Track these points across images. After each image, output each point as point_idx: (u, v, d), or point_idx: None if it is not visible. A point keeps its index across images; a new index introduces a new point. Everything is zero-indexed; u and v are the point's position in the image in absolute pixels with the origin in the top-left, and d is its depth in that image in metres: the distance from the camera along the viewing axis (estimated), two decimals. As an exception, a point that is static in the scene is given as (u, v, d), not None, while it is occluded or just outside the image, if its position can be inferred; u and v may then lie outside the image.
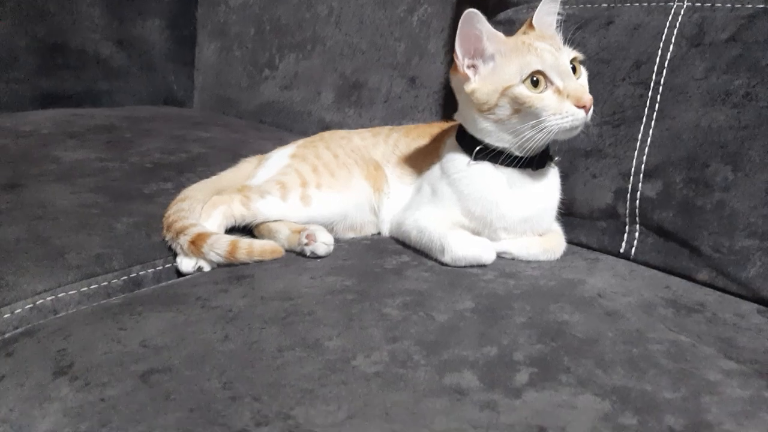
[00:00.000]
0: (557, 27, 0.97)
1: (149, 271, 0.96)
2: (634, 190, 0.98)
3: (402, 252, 0.98)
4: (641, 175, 0.97)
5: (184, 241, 0.94)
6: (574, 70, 0.91)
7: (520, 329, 0.73)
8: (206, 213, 1.02)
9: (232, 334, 0.71)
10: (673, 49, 0.96)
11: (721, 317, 0.82)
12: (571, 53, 0.91)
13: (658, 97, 0.96)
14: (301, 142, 1.18)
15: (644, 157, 0.97)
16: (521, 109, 0.88)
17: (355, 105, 1.74)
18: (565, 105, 0.86)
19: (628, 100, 0.99)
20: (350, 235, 1.08)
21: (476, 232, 0.97)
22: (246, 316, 0.75)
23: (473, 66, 0.92)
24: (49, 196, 1.07)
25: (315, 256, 0.95)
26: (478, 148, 0.94)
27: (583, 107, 0.86)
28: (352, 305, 0.77)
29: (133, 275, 0.94)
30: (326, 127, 1.79)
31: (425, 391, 0.62)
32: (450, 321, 0.75)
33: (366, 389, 0.62)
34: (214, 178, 1.15)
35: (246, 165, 1.19)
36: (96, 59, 1.90)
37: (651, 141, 0.97)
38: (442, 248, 0.92)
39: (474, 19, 0.87)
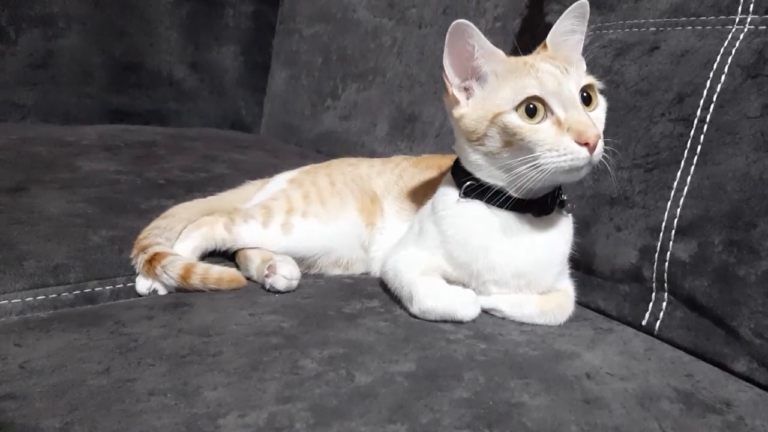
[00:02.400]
0: (584, 50, 0.82)
1: (107, 288, 0.90)
2: (664, 249, 0.79)
3: (377, 296, 0.85)
4: (673, 232, 0.78)
5: (141, 259, 0.88)
6: (589, 100, 0.75)
7: (453, 407, 0.58)
8: (186, 233, 0.95)
9: (115, 367, 0.62)
10: (725, 80, 0.78)
11: (748, 423, 0.62)
12: (583, 79, 0.75)
13: (702, 137, 0.78)
14: (307, 167, 1.10)
15: (678, 210, 0.78)
16: (513, 142, 0.73)
17: (408, 138, 1.64)
18: (564, 140, 0.71)
19: (666, 139, 0.82)
20: (336, 271, 0.97)
21: (463, 284, 0.82)
22: (145, 349, 0.65)
23: (467, 88, 0.79)
24: (43, 202, 1.04)
25: (274, 291, 0.84)
26: (467, 183, 0.80)
27: (586, 144, 0.70)
28: (268, 351, 0.66)
29: (87, 290, 0.88)
30: (377, 159, 1.70)
31: (282, 470, 0.49)
32: (371, 384, 0.61)
33: (211, 457, 0.50)
34: (211, 198, 1.09)
35: (249, 187, 1.12)
36: (169, 80, 1.94)
37: (688, 190, 0.78)
38: (411, 296, 0.78)
39: (465, 31, 0.74)
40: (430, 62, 1.63)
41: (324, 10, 1.94)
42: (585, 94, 0.75)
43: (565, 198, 0.81)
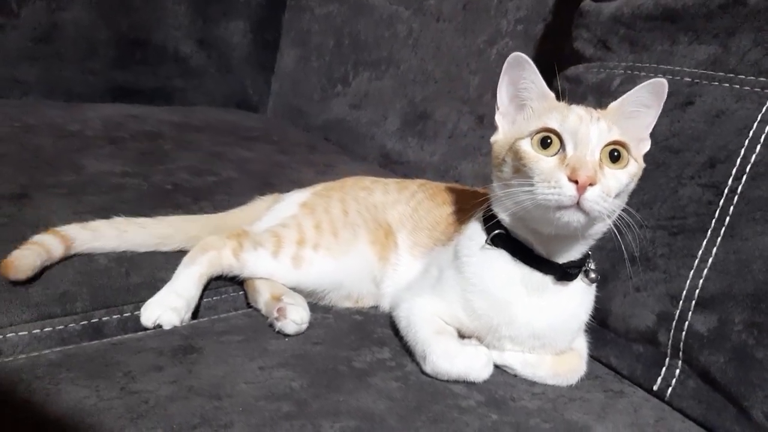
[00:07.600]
0: (614, 92, 0.80)
1: (114, 317, 0.89)
2: (682, 318, 0.78)
3: (387, 342, 0.85)
4: (693, 302, 0.77)
5: None
6: (617, 157, 0.72)
7: (466, 502, 0.58)
8: (191, 258, 0.93)
9: (125, 439, 0.61)
10: (760, 151, 0.75)
11: None
12: (615, 134, 0.72)
13: (731, 208, 0.76)
14: (319, 187, 1.06)
15: (701, 281, 0.77)
16: (519, 168, 0.73)
17: (419, 135, 1.61)
18: (558, 174, 0.69)
19: (693, 204, 0.79)
20: (346, 304, 0.96)
21: (478, 337, 0.81)
22: (156, 415, 0.65)
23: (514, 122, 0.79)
24: (48, 213, 1.01)
25: (283, 334, 0.83)
26: (497, 231, 0.79)
27: (575, 182, 0.68)
28: (279, 423, 0.65)
29: (94, 320, 0.87)
30: (386, 154, 1.67)
31: None
32: (383, 471, 0.60)
33: None
34: (221, 214, 1.07)
35: (259, 203, 1.09)
36: (175, 57, 1.88)
37: (712, 262, 0.76)
38: (424, 356, 0.78)
39: (522, 65, 0.75)
40: (447, 59, 1.58)
41: (337, -11, 1.87)
42: (616, 153, 0.72)
43: (592, 268, 0.80)
